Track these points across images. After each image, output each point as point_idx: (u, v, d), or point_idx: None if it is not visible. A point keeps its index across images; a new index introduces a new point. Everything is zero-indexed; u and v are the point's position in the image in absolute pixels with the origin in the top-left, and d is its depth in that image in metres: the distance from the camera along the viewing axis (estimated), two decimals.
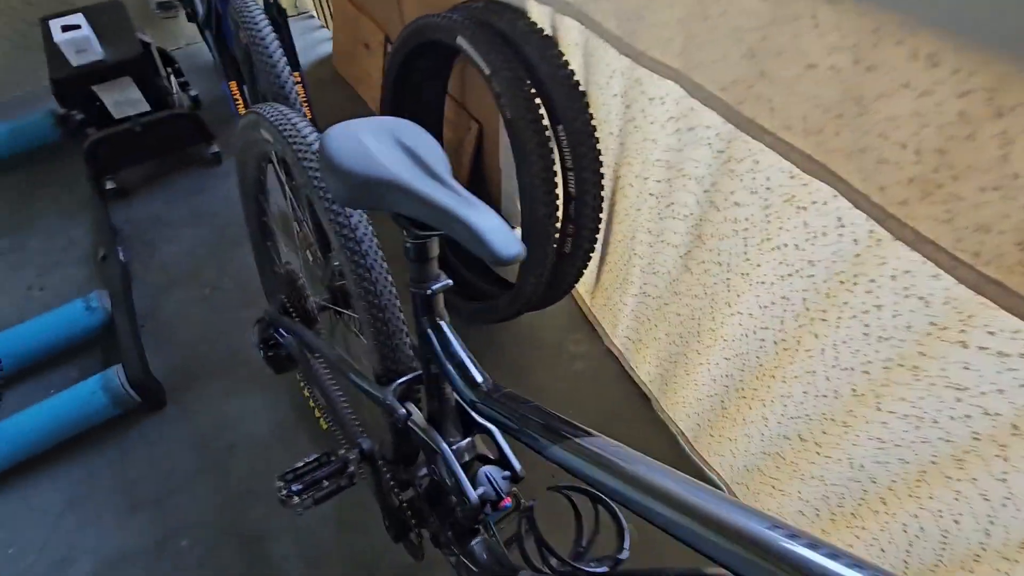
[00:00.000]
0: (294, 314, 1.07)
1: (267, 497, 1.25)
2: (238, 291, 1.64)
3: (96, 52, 1.64)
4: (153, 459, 1.32)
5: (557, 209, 1.13)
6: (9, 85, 2.25)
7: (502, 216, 1.77)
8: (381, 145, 0.58)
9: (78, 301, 1.48)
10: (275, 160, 1.04)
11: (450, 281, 0.63)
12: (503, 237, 0.47)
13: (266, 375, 1.44)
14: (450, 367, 0.63)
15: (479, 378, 0.61)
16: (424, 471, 0.87)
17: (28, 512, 1.25)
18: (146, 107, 1.78)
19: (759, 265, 0.93)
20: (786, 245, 0.86)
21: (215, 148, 1.97)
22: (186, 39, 2.51)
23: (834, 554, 0.32)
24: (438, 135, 1.67)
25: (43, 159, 2.02)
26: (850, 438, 0.86)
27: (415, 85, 1.51)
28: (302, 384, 1.35)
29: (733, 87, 0.79)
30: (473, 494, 0.66)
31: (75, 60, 1.61)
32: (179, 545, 1.20)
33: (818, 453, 0.94)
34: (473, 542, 0.79)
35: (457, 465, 0.67)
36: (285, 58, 1.10)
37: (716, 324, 1.08)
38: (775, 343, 0.96)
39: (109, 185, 1.85)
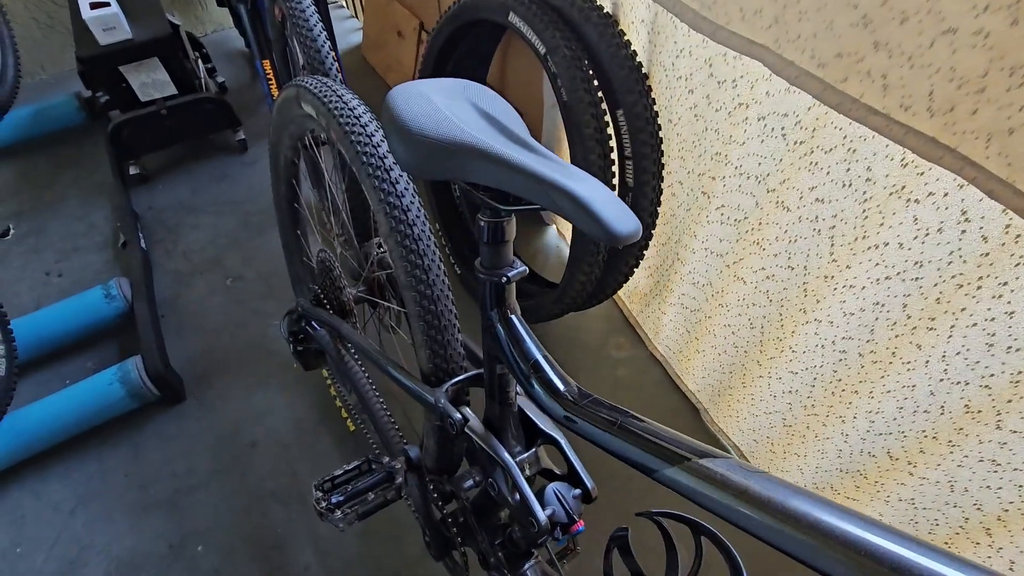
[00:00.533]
0: (328, 306, 0.99)
1: (288, 500, 1.18)
2: (261, 282, 1.57)
3: (124, 31, 1.58)
4: (169, 456, 1.25)
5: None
6: (35, 67, 2.21)
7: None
8: (455, 106, 0.50)
9: (97, 288, 1.41)
10: (310, 141, 0.97)
11: (526, 268, 0.55)
12: (617, 210, 0.39)
13: (288, 370, 1.37)
14: (524, 368, 0.54)
15: (559, 383, 0.52)
16: (469, 482, 0.78)
17: (38, 508, 1.18)
18: (173, 90, 1.72)
19: (848, 267, 0.83)
20: (886, 244, 0.77)
21: (241, 135, 1.91)
22: (214, 25, 2.46)
23: None
24: None
25: (66, 142, 1.97)
26: (955, 458, 0.77)
27: (454, 71, 1.44)
28: (329, 382, 1.27)
29: (836, 62, 0.70)
30: (542, 515, 0.57)
31: (103, 39, 1.56)
32: (194, 550, 1.12)
33: (911, 474, 0.84)
34: (526, 566, 0.71)
35: (523, 481, 0.59)
36: (325, 32, 1.02)
37: (784, 333, 0.99)
38: (860, 355, 0.86)
39: (132, 170, 1.80)
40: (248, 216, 1.74)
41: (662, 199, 1.12)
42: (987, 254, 0.64)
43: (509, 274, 0.53)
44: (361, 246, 1.02)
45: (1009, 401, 0.68)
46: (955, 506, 0.82)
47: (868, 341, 0.83)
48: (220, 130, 1.88)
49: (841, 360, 0.90)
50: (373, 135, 0.72)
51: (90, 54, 1.56)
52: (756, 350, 1.07)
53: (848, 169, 0.79)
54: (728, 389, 1.18)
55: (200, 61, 1.99)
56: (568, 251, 1.14)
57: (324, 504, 0.66)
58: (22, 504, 1.19)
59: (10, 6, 2.02)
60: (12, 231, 1.71)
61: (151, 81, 1.67)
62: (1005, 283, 0.63)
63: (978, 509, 0.78)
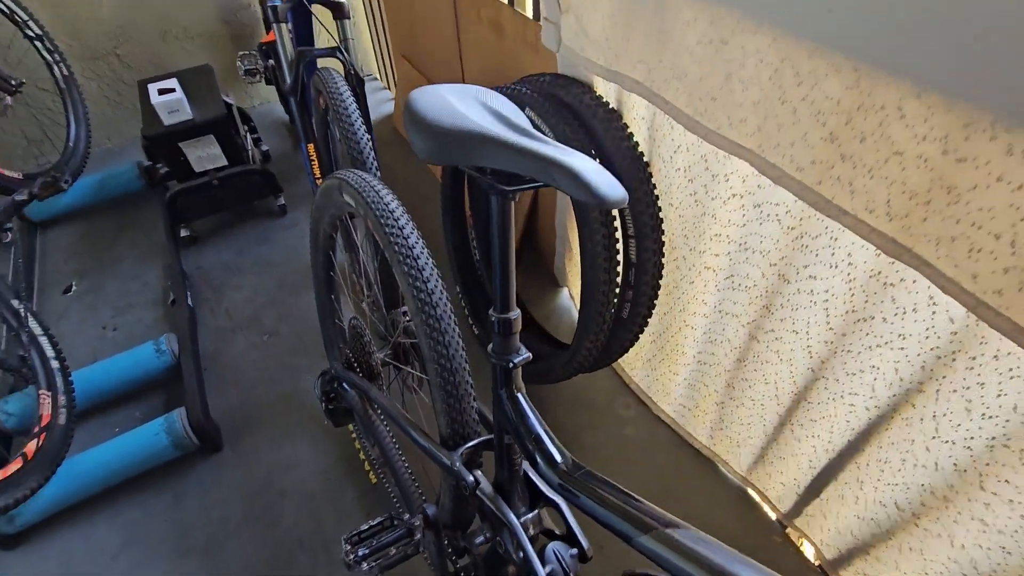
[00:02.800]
0: (358, 369, 1.09)
1: (313, 549, 1.25)
2: (294, 338, 1.69)
3: (186, 113, 1.78)
4: (206, 504, 1.34)
5: (617, 275, 1.14)
6: (102, 138, 2.45)
7: (554, 274, 1.78)
8: (466, 104, 0.58)
9: (148, 344, 1.55)
10: (347, 219, 1.10)
11: (530, 355, 0.64)
12: (605, 179, 0.45)
13: (316, 423, 1.47)
14: (527, 441, 0.62)
15: (557, 456, 0.60)
16: (480, 539, 0.85)
17: (87, 549, 1.28)
18: (224, 162, 1.91)
19: (844, 335, 0.91)
20: (872, 318, 0.85)
21: (282, 200, 2.08)
22: (261, 99, 2.71)
23: None
24: None
25: (126, 206, 2.17)
26: (951, 514, 0.82)
27: None
28: (354, 436, 1.36)
29: (812, 168, 0.79)
30: (542, 573, 0.64)
31: (167, 120, 1.76)
32: None
33: (916, 524, 0.89)
34: None
35: (527, 541, 0.66)
36: (364, 126, 1.17)
37: (798, 387, 1.06)
38: (867, 408, 0.93)
39: (183, 232, 1.97)
40: (285, 276, 1.88)
41: (665, 272, 1.21)
42: (955, 332, 0.72)
43: (515, 360, 0.62)
44: (388, 313, 1.13)
45: (988, 464, 0.73)
46: (955, 562, 0.85)
47: (870, 397, 0.90)
48: (263, 197, 2.06)
49: (851, 412, 0.96)
50: (404, 227, 0.83)
51: (155, 133, 1.75)
52: (773, 403, 1.13)
53: (833, 253, 0.88)
54: (748, 440, 1.24)
55: (248, 133, 2.19)
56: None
57: (352, 556, 0.74)
58: (72, 545, 1.28)
59: (85, 86, 2.27)
60: (74, 288, 1.88)
61: (206, 155, 1.86)
62: (974, 357, 0.70)
63: (975, 568, 0.82)
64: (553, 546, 0.67)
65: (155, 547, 1.27)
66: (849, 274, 0.87)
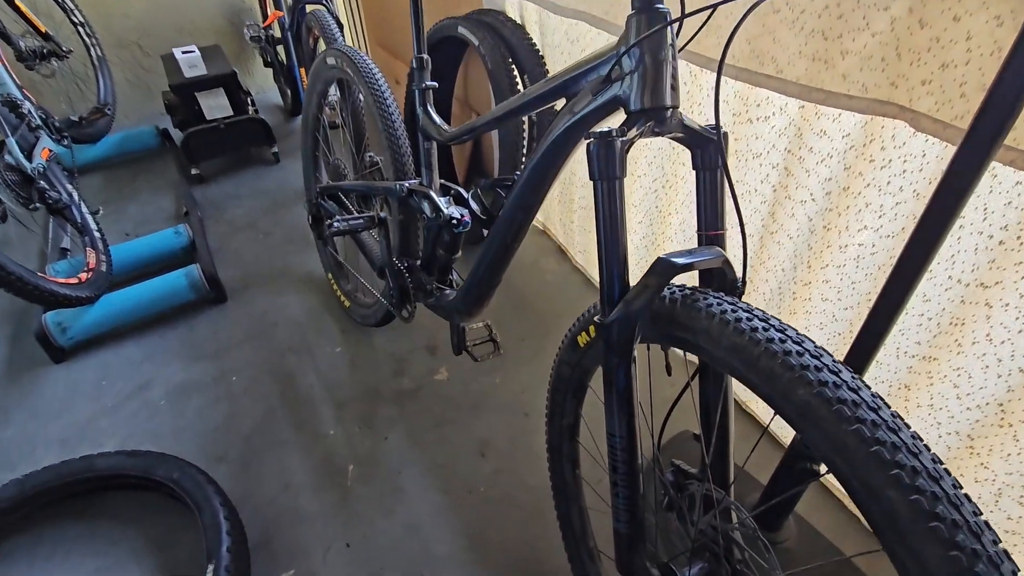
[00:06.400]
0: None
1: (299, 351, 1.62)
2: (284, 236, 2.10)
3: (202, 69, 2.26)
4: (214, 331, 1.71)
5: (524, 131, 1.61)
6: (120, 116, 2.90)
7: (494, 176, 2.24)
8: None
9: (169, 230, 1.95)
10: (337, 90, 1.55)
11: (435, 83, 1.09)
12: None
13: (303, 284, 1.86)
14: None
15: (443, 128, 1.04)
16: (418, 261, 1.26)
17: (118, 360, 1.62)
18: (230, 112, 2.37)
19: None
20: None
21: (275, 149, 2.54)
22: (257, 88, 3.22)
23: None
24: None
25: (145, 160, 2.61)
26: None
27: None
28: (330, 277, 1.76)
29: (612, 9, 1.29)
30: (445, 212, 1.06)
31: (187, 73, 2.23)
32: (229, 380, 1.55)
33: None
34: (449, 280, 1.19)
35: (438, 198, 1.09)
36: (342, 37, 1.65)
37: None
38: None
39: (193, 171, 2.40)
40: (277, 199, 2.31)
41: None
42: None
43: (424, 83, 1.07)
44: (359, 155, 1.57)
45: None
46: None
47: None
48: (261, 145, 2.51)
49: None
50: (380, 80, 1.29)
51: (178, 83, 2.22)
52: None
53: None
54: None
55: (249, 103, 2.67)
56: None
57: (329, 225, 1.15)
58: (106, 359, 1.63)
59: (111, 69, 2.76)
60: (101, 211, 2.27)
61: (216, 105, 2.33)
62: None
63: None
64: (455, 207, 1.09)
65: (171, 356, 1.63)
66: None
